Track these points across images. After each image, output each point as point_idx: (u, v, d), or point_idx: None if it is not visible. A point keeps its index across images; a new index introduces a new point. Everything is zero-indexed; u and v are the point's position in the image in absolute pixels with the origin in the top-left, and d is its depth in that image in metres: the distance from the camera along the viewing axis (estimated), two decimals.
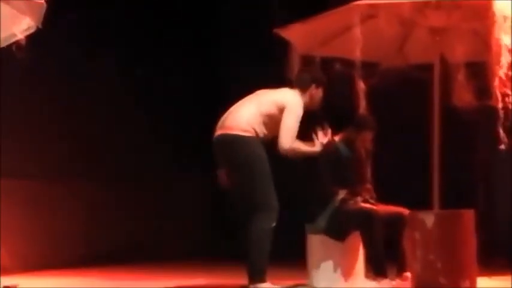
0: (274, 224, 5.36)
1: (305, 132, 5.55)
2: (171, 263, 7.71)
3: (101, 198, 8.05)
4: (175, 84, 8.61)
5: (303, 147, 5.45)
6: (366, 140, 6.03)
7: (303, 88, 5.59)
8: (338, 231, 5.85)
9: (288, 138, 5.36)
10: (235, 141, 5.37)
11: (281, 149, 5.38)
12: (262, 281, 5.32)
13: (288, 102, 5.44)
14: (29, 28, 5.19)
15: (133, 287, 6.10)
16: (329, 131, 5.62)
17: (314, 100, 5.63)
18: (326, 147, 5.95)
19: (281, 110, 5.42)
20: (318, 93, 5.63)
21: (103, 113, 8.10)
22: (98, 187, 8.03)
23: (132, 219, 8.23)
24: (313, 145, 5.54)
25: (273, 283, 5.46)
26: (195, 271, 7.05)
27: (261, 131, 5.41)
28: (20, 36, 5.18)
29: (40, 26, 5.18)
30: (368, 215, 5.78)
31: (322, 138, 5.54)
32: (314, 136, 5.55)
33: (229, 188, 5.58)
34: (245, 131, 5.37)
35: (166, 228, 8.41)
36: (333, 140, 6.02)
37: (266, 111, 5.43)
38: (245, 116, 5.42)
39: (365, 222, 5.75)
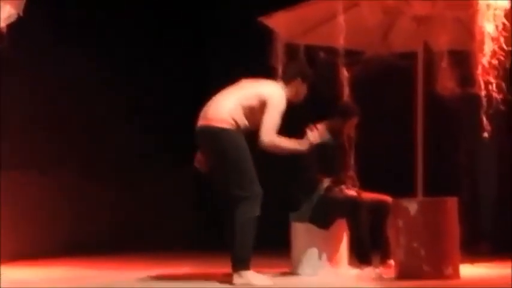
0: (258, 213, 5.35)
1: (290, 126, 5.52)
2: (155, 253, 7.69)
3: (84, 188, 8.02)
4: (161, 77, 8.58)
5: (284, 142, 5.41)
6: (352, 126, 6.04)
7: (288, 81, 5.56)
8: (323, 219, 5.86)
9: (268, 133, 5.32)
10: (216, 133, 5.37)
11: (261, 143, 5.35)
12: (246, 268, 5.33)
13: (270, 96, 5.41)
14: (10, 16, 5.14)
15: (117, 276, 6.08)
16: (322, 131, 5.57)
17: (298, 94, 5.58)
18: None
19: (263, 104, 5.38)
20: (302, 87, 5.58)
21: (87, 104, 8.05)
22: (81, 177, 8.00)
23: (115, 209, 8.20)
24: (299, 142, 5.48)
25: (256, 271, 5.47)
26: (180, 260, 7.05)
27: (242, 122, 5.39)
28: (1, 24, 5.13)
29: (21, 14, 5.13)
30: (354, 202, 5.79)
31: (313, 138, 5.48)
32: (307, 132, 5.48)
33: (206, 172, 5.57)
34: (226, 122, 5.36)
35: (149, 218, 8.40)
36: (317, 128, 6.03)
37: (248, 104, 5.40)
38: (226, 107, 5.41)
39: (351, 210, 5.77)
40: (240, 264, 5.31)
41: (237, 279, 5.31)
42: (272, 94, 5.42)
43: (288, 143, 5.43)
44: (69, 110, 7.87)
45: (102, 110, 8.08)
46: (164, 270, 6.26)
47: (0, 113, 7.00)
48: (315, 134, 5.51)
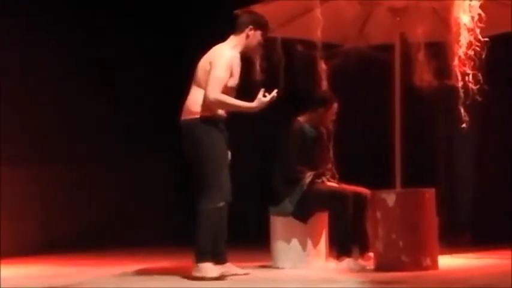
0: (220, 204, 5.25)
1: (269, 118, 5.42)
2: (135, 249, 7.65)
3: (63, 182, 7.94)
4: (139, 66, 8.53)
5: (230, 99, 5.26)
6: (333, 114, 6.02)
7: (239, 30, 5.43)
8: (304, 213, 5.86)
9: (212, 90, 5.21)
10: (189, 125, 5.34)
11: (207, 100, 5.24)
12: (205, 261, 5.24)
13: (212, 58, 5.33)
14: None
15: (95, 273, 6.05)
16: (274, 94, 5.29)
17: (251, 42, 5.42)
18: (292, 129, 5.96)
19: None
20: (255, 35, 5.43)
21: (65, 94, 7.98)
22: (60, 170, 7.90)
23: (96, 204, 8.14)
24: (249, 103, 5.31)
25: (237, 265, 5.46)
26: (158, 256, 7.00)
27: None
28: None
29: None
30: (338, 194, 5.80)
31: (264, 96, 5.25)
32: (259, 93, 5.28)
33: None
34: (196, 113, 5.32)
35: (130, 213, 8.35)
36: (298, 121, 6.03)
37: (203, 82, 5.32)
38: (194, 97, 5.37)
39: (335, 202, 5.77)
40: (199, 256, 5.25)
41: (195, 272, 5.25)
42: (213, 56, 5.33)
43: (234, 101, 5.29)
44: (30, 92, 7.72)
45: (64, 92, 7.95)
46: (140, 265, 6.21)
47: None
48: (265, 94, 5.28)
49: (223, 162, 5.31)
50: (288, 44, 5.97)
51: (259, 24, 5.44)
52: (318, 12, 5.56)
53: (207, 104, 5.28)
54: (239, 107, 5.32)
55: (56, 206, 7.88)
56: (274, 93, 5.29)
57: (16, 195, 7.57)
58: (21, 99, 7.65)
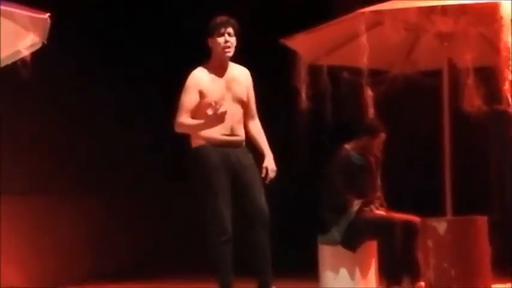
0: (223, 238, 5.00)
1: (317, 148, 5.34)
2: (178, 279, 7.59)
3: (107, 214, 7.96)
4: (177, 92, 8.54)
5: (189, 121, 5.07)
6: (381, 143, 5.97)
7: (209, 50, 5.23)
8: (353, 242, 5.80)
9: (176, 115, 5.11)
10: (188, 155, 5.24)
11: (174, 129, 5.16)
12: None
13: None
14: (33, 44, 5.16)
15: None
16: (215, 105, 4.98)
17: (215, 52, 5.15)
18: (339, 156, 5.93)
19: None
20: (214, 43, 5.14)
21: (104, 128, 8.00)
22: (103, 202, 7.93)
23: (138, 234, 8.13)
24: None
25: None
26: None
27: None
28: (25, 52, 5.15)
29: (45, 42, 5.15)
30: (386, 222, 5.73)
31: (211, 111, 4.98)
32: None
33: None
34: (193, 141, 5.18)
35: (174, 243, 8.33)
36: (345, 149, 6.00)
37: None
38: None
39: (384, 230, 5.71)
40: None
41: None
42: None
43: (192, 121, 5.08)
44: (70, 125, 7.79)
45: (102, 126, 7.98)
46: None
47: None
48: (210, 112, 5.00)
49: (212, 193, 5.04)
50: (334, 72, 5.95)
51: (211, 30, 5.19)
52: (363, 39, 5.53)
53: (180, 133, 5.17)
54: (197, 125, 5.10)
55: (100, 237, 7.89)
56: (217, 105, 4.98)
57: (62, 226, 7.63)
58: (64, 134, 7.69)
